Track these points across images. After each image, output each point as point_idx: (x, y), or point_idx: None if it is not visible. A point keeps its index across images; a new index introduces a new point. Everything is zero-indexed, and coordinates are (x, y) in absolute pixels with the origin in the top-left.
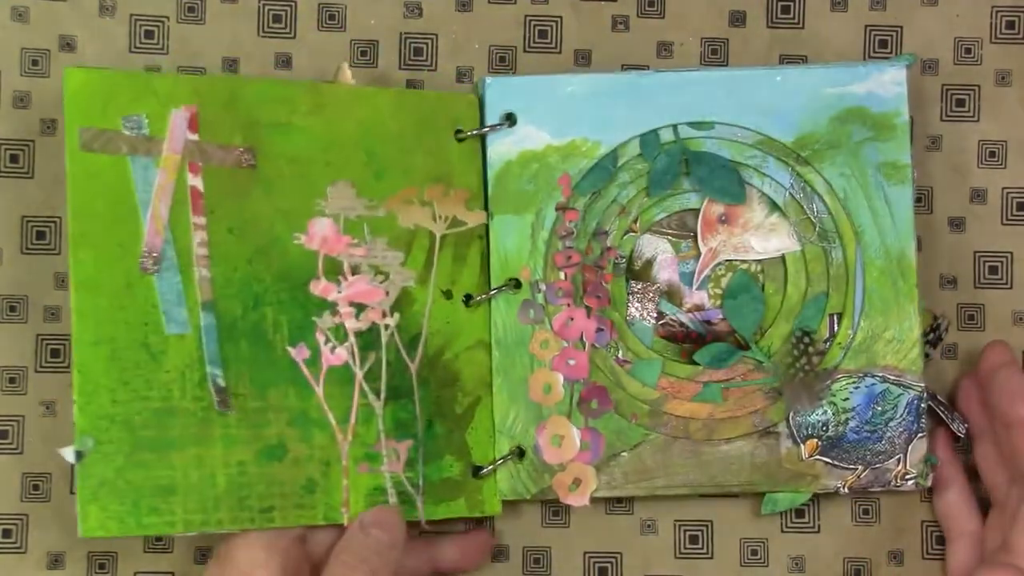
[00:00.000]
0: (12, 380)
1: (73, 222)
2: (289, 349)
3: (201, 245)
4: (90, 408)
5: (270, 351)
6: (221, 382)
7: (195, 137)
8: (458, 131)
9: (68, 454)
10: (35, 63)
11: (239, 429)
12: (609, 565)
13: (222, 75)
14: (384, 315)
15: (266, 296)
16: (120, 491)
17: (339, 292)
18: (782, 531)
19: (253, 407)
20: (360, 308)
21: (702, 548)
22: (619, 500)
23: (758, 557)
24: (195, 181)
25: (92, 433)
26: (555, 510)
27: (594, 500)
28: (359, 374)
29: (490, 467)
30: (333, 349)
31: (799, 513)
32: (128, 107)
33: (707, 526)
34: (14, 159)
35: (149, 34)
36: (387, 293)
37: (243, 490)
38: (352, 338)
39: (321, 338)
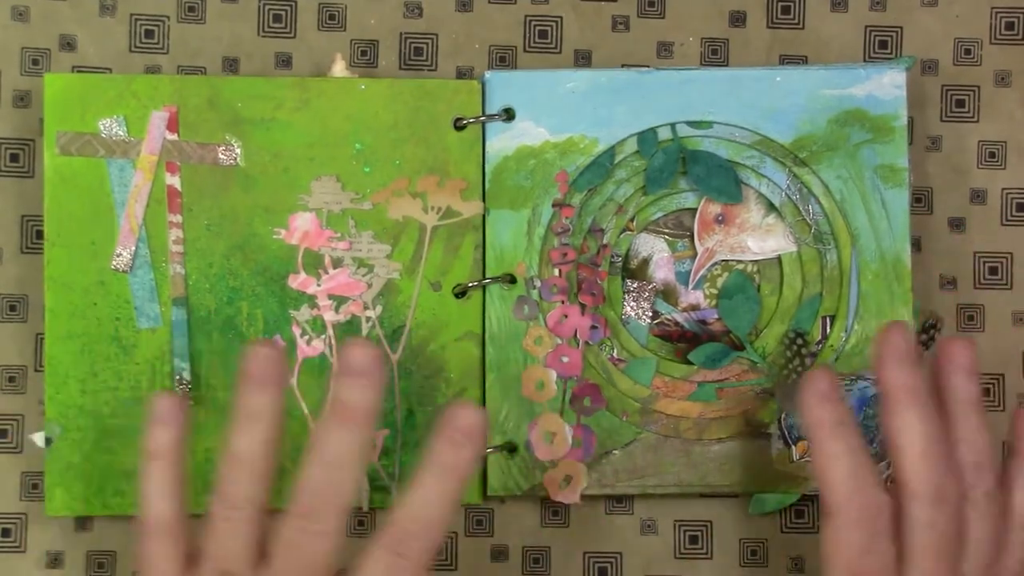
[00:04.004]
0: (12, 379)
1: (48, 222)
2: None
3: (176, 242)
4: (59, 398)
5: (243, 343)
6: (187, 375)
7: (174, 137)
8: (458, 119)
9: (38, 439)
10: (35, 63)
11: (208, 418)
12: (609, 565)
13: (205, 75)
14: (365, 307)
15: (242, 290)
16: (86, 474)
17: (318, 286)
18: (782, 531)
19: (223, 397)
20: (340, 301)
21: (702, 548)
22: (619, 500)
23: (758, 557)
24: (172, 180)
25: (60, 421)
26: (555, 510)
27: (593, 500)
28: (335, 366)
29: None
30: (309, 341)
31: (799, 513)
32: (108, 110)
33: (707, 526)
34: (14, 159)
35: (149, 34)
36: (369, 285)
37: (209, 475)
38: (330, 330)
39: (297, 331)
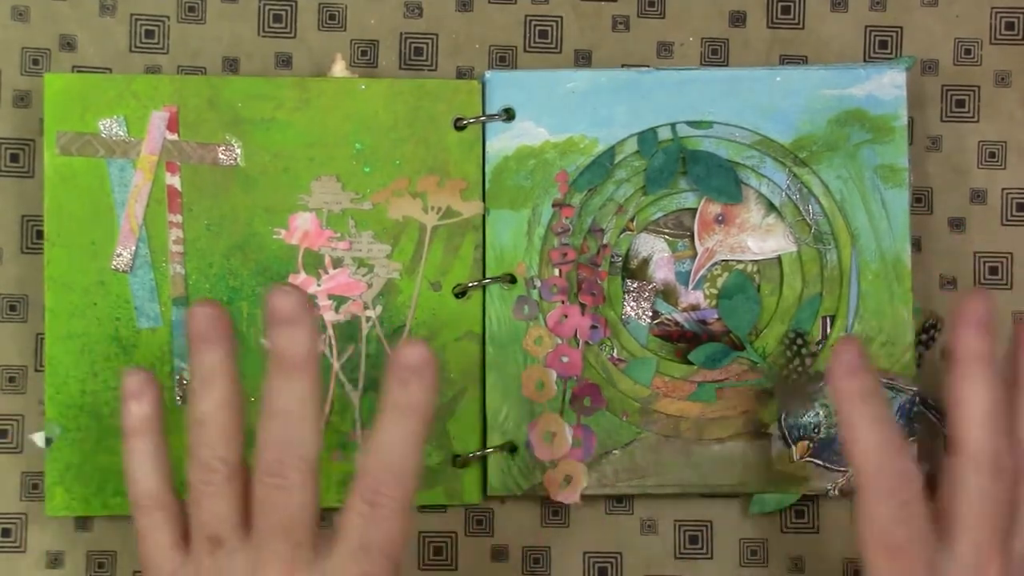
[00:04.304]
0: (12, 379)
1: (48, 222)
2: (263, 341)
3: (176, 242)
4: (59, 398)
5: (243, 344)
6: (187, 375)
7: (174, 137)
8: (458, 119)
9: (38, 439)
10: (35, 63)
11: None
12: (609, 565)
13: (205, 75)
14: (365, 307)
15: (242, 290)
16: (86, 475)
17: (318, 286)
18: (782, 531)
19: None
20: (341, 301)
21: (702, 548)
22: (619, 500)
23: (758, 557)
24: (172, 180)
25: (60, 421)
26: (555, 510)
27: (593, 500)
28: (336, 365)
29: (470, 456)
30: None
31: (799, 513)
32: (108, 110)
33: (707, 526)
34: (14, 159)
35: (149, 34)
36: (369, 285)
37: None
38: (330, 330)
39: None
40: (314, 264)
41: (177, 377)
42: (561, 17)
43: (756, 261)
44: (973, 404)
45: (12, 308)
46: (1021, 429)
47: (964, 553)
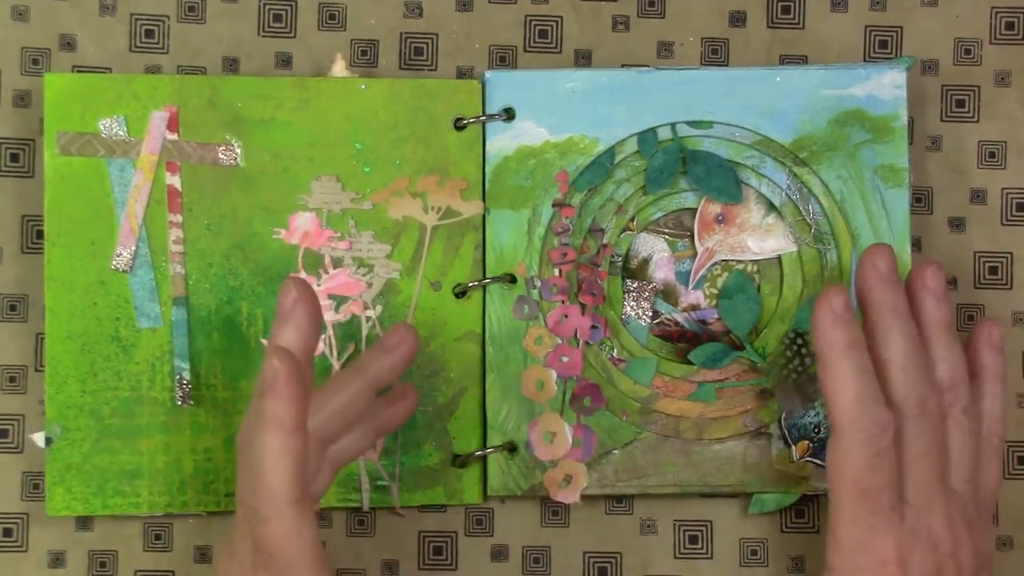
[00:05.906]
0: (12, 379)
1: (48, 222)
2: (263, 341)
3: (176, 242)
4: (59, 398)
5: (243, 343)
6: (187, 375)
7: (174, 137)
8: (458, 119)
9: (39, 439)
10: (35, 62)
11: (208, 418)
12: (609, 565)
13: (205, 75)
14: (365, 307)
15: (242, 290)
16: (86, 474)
17: (318, 286)
18: (782, 531)
19: (223, 397)
20: (341, 301)
21: (702, 548)
22: (619, 500)
23: (758, 557)
24: (173, 180)
25: (60, 421)
26: (555, 510)
27: (593, 500)
28: (336, 365)
29: (470, 456)
30: None
31: (799, 513)
32: (108, 110)
33: (707, 526)
34: (14, 158)
35: (149, 33)
36: (369, 285)
37: (209, 475)
38: (330, 330)
39: None
40: (314, 264)
41: (177, 377)
42: (561, 17)
43: (756, 261)
44: (893, 353)
45: (12, 308)
46: (939, 374)
47: (911, 495)
